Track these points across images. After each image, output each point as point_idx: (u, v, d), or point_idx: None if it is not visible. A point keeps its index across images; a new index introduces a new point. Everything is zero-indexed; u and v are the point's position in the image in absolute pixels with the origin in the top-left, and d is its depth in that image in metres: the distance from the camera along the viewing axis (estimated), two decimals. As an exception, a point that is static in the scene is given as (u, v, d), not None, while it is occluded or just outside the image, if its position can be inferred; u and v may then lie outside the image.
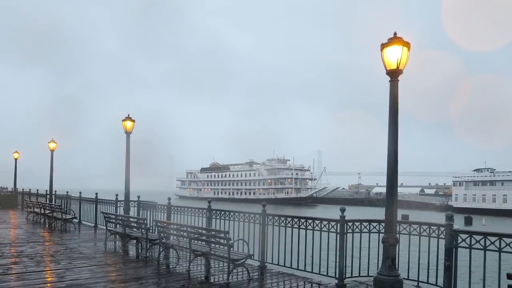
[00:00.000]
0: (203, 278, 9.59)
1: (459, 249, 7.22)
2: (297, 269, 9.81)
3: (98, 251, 12.83)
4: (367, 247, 9.03)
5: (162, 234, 11.45)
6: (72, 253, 12.30)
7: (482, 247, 6.81)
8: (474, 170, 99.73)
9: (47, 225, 19.54)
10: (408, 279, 8.60)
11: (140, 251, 12.50)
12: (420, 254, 8.28)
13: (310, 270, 9.53)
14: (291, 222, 9.89)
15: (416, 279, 8.63)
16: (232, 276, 9.36)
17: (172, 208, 14.06)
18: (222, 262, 10.27)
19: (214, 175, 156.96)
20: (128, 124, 16.19)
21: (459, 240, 7.15)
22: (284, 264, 10.03)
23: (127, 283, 8.92)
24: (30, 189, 31.60)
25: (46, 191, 26.07)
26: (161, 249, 11.75)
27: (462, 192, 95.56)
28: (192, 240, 10.06)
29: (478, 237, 6.92)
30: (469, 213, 69.48)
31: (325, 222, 9.18)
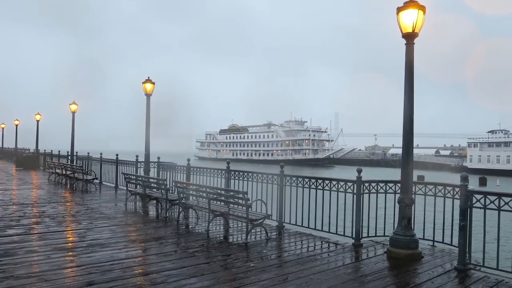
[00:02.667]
0: (222, 238, 9.74)
1: (473, 209, 7.26)
2: (314, 229, 9.95)
3: (119, 211, 13.03)
4: (383, 207, 9.12)
5: (181, 194, 11.59)
6: (93, 213, 12.50)
7: (496, 208, 6.84)
8: (489, 132, 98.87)
9: (68, 186, 19.90)
10: (423, 238, 8.73)
11: (160, 211, 12.72)
12: (435, 214, 8.35)
13: (327, 230, 9.66)
14: (308, 183, 9.96)
15: (432, 239, 8.79)
16: (251, 236, 9.54)
17: (192, 169, 14.25)
18: (240, 222, 10.47)
19: (233, 137, 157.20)
20: (148, 86, 16.29)
21: (474, 200, 7.17)
22: (302, 224, 10.15)
23: (147, 242, 9.10)
24: (51, 151, 32.08)
25: (68, 152, 26.44)
26: (180, 210, 11.94)
27: (476, 153, 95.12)
28: (211, 201, 10.22)
29: (492, 198, 6.94)
30: (484, 174, 69.26)
31: (342, 183, 9.26)
